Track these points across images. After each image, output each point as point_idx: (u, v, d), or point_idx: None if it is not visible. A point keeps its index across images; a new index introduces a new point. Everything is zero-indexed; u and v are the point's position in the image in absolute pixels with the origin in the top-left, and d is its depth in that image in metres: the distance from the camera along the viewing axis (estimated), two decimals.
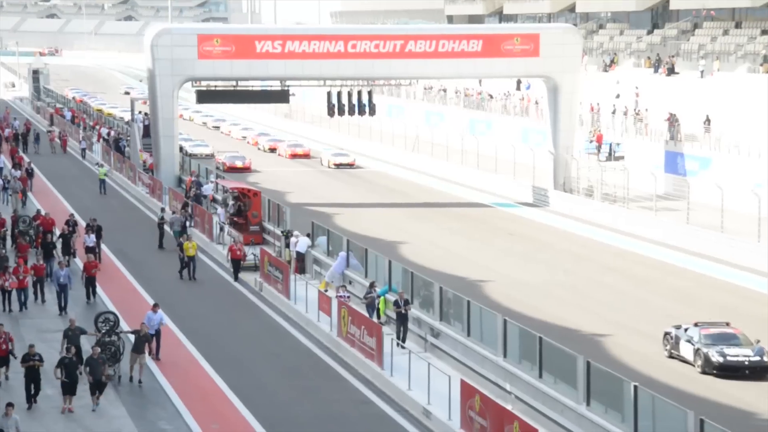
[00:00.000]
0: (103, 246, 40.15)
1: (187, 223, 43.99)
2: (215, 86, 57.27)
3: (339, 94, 57.71)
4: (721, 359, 27.99)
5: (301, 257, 38.02)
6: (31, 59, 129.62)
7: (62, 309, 32.93)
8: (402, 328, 29.00)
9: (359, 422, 24.29)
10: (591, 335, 31.61)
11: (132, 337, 27.47)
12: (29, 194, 53.35)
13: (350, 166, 69.64)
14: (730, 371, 27.83)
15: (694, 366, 28.49)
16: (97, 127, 79.90)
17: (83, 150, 72.22)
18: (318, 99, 73.28)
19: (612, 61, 70.90)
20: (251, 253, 38.67)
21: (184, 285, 37.36)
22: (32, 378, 24.91)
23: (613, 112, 64.62)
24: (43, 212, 43.39)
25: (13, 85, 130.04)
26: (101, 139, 73.16)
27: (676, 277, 40.04)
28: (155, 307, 28.64)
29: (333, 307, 30.53)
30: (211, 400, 25.56)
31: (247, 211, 44.37)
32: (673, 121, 58.76)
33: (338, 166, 69.59)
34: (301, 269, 37.43)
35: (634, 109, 63.31)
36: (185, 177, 55.66)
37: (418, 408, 24.50)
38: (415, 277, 30.90)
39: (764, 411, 25.33)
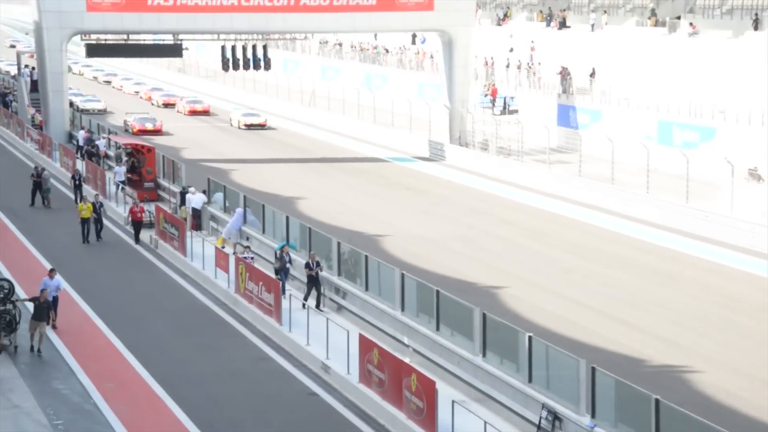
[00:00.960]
0: None
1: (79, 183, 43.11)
2: (105, 40, 56.25)
3: (233, 48, 57.14)
4: None
5: (197, 214, 37.70)
6: None
7: None
8: (316, 292, 28.16)
9: (258, 378, 24.27)
10: (487, 288, 32.01)
11: (30, 305, 26.74)
12: None
13: (261, 126, 66.67)
14: None
15: None
16: None
17: None
18: (212, 53, 72.38)
19: (505, 15, 71.36)
20: (146, 210, 38.20)
21: (79, 246, 36.70)
22: None
23: (507, 66, 65.15)
24: None
25: None
26: None
27: (570, 228, 40.74)
28: (52, 272, 27.64)
29: (230, 263, 30.36)
30: (106, 360, 25.24)
31: (141, 167, 43.77)
32: (565, 74, 59.52)
33: (249, 126, 66.27)
34: (197, 226, 37.13)
35: (528, 63, 63.92)
36: (75, 133, 54.69)
37: (316, 363, 24.57)
38: (313, 232, 30.85)
39: (652, 358, 26.06)
